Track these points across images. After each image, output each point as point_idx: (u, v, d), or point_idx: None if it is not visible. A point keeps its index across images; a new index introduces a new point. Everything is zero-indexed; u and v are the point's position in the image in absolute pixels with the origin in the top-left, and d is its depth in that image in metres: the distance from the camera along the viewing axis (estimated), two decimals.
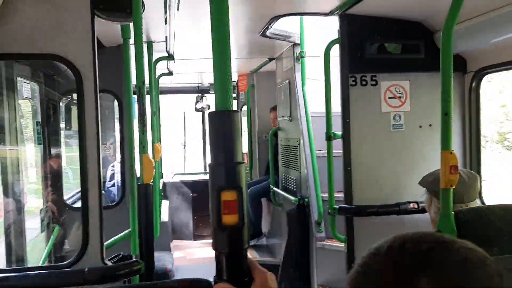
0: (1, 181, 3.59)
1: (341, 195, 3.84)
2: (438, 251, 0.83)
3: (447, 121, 2.24)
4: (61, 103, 4.88)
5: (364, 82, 3.73)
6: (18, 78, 3.78)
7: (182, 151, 9.59)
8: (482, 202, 3.60)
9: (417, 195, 2.98)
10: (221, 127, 1.37)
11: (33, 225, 3.84)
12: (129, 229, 3.23)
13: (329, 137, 3.79)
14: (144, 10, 2.71)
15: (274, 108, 6.29)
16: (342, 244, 3.87)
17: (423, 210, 3.23)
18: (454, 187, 2.27)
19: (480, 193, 3.65)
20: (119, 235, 3.27)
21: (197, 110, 8.78)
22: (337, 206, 3.76)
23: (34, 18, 2.50)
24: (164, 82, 7.15)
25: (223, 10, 1.46)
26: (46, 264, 3.85)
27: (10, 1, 2.48)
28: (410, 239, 0.88)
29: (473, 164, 3.75)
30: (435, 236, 0.88)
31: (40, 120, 4.28)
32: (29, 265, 3.80)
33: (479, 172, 3.71)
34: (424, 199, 2.76)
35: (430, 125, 3.79)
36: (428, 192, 2.68)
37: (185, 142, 9.59)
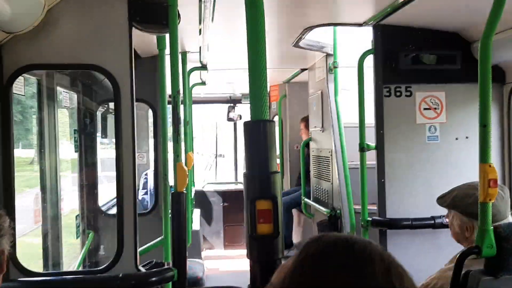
0: (40, 187, 3.70)
1: (374, 207, 3.78)
2: None
3: (485, 133, 2.18)
4: (97, 112, 5.00)
5: (398, 93, 3.69)
6: (58, 88, 3.90)
7: (214, 160, 9.65)
8: None
9: None
10: (256, 137, 1.38)
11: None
12: (162, 237, 3.27)
13: (362, 148, 3.75)
14: (179, 22, 2.76)
15: (303, 120, 6.28)
16: None
17: None
18: (493, 201, 2.20)
19: None
20: (152, 242, 3.31)
21: (229, 120, 8.84)
22: (370, 219, 3.70)
23: (75, 30, 2.59)
24: (196, 92, 7.24)
25: (260, 21, 1.48)
26: (80, 268, 3.93)
27: (53, 13, 2.57)
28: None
29: None
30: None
31: (77, 128, 4.40)
32: (65, 270, 3.89)
33: None
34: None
35: (466, 137, 3.71)
36: (449, 208, 2.59)
37: (216, 152, 9.66)
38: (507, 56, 3.49)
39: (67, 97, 4.19)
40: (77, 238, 4.20)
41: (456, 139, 3.72)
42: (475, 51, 3.61)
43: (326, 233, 0.91)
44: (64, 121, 4.37)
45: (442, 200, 2.58)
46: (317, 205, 5.13)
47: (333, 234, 0.89)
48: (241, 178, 9.13)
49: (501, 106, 3.71)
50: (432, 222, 3.58)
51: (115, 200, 2.81)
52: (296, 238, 6.48)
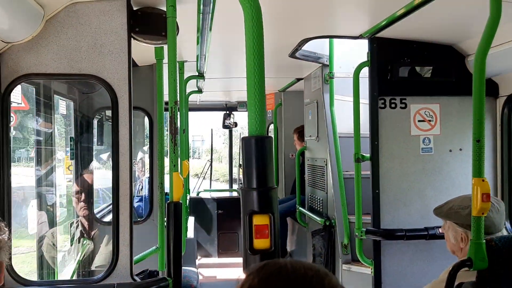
0: (36, 194, 3.70)
1: (368, 217, 3.81)
2: None
3: (479, 147, 2.22)
4: (94, 120, 5.01)
5: (393, 105, 3.73)
6: (55, 95, 3.91)
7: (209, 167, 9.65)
8: None
9: None
10: (254, 152, 1.40)
11: None
12: (157, 245, 3.28)
13: (357, 159, 3.78)
14: (178, 33, 2.78)
15: (296, 130, 6.30)
16: (369, 268, 3.82)
17: None
18: (485, 215, 2.23)
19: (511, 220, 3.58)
20: (147, 251, 3.32)
21: (224, 127, 8.85)
22: (364, 229, 3.73)
23: (74, 40, 2.61)
24: (193, 99, 7.25)
25: (258, 36, 1.50)
26: (75, 277, 3.92)
27: (52, 23, 2.59)
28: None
29: (504, 191, 3.67)
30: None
31: (73, 135, 4.40)
32: (59, 278, 3.88)
33: (511, 197, 3.63)
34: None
35: (460, 149, 3.75)
36: (445, 220, 2.63)
37: (211, 159, 9.67)
38: (501, 69, 3.54)
39: (64, 105, 4.20)
40: (71, 245, 4.19)
41: (450, 151, 3.76)
42: (470, 64, 3.65)
43: (270, 261, 0.92)
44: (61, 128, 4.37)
45: (438, 211, 2.62)
46: (311, 214, 5.15)
47: (276, 263, 0.90)
48: (235, 186, 9.13)
49: (495, 119, 3.75)
50: (426, 233, 3.61)
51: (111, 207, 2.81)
52: (290, 247, 6.49)
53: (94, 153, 4.90)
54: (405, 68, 3.71)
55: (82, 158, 4.45)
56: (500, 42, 3.22)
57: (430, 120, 3.75)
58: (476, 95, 2.28)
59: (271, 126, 7.63)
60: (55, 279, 3.82)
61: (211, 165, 9.60)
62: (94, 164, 4.85)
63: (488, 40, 2.29)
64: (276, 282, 0.85)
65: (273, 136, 7.41)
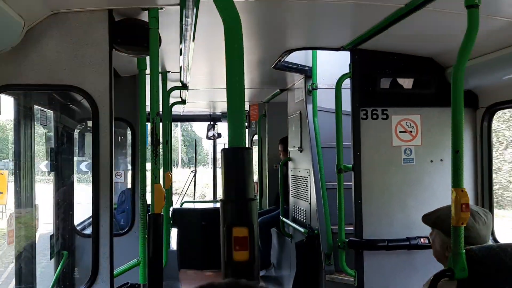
0: (14, 206, 3.63)
1: (351, 228, 3.82)
2: None
3: (458, 158, 2.25)
4: (75, 131, 4.95)
5: (375, 116, 3.76)
6: (35, 106, 3.86)
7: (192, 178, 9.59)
8: (495, 240, 3.56)
9: (427, 230, 2.95)
10: (233, 164, 1.40)
11: None
12: (138, 258, 3.24)
13: (340, 169, 3.80)
14: (160, 44, 2.78)
15: (281, 141, 6.32)
16: (352, 278, 3.82)
17: None
18: (464, 225, 2.25)
19: (493, 231, 3.62)
20: (128, 264, 3.28)
21: (208, 138, 8.84)
22: (347, 239, 3.74)
23: (54, 51, 2.58)
24: (176, 110, 7.23)
25: (238, 50, 1.51)
26: None
27: (32, 34, 2.57)
28: None
29: (485, 201, 3.72)
30: None
31: (54, 146, 4.34)
32: None
33: (491, 208, 3.67)
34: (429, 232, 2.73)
35: (441, 159, 3.79)
36: (432, 227, 2.65)
37: (195, 170, 9.62)
38: (480, 81, 3.60)
39: (44, 116, 4.15)
40: (51, 259, 4.11)
41: (431, 161, 3.80)
42: (449, 76, 3.71)
43: (204, 285, 0.91)
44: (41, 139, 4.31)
45: (427, 218, 2.63)
46: (295, 225, 5.15)
47: (211, 285, 0.89)
48: (220, 197, 9.08)
49: (475, 130, 3.81)
50: (408, 243, 3.63)
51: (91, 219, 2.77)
52: (274, 257, 6.47)
53: (75, 164, 4.83)
54: (386, 80, 3.75)
55: (62, 169, 4.39)
56: (479, 54, 3.28)
57: (411, 131, 3.79)
58: (454, 107, 2.31)
59: (255, 137, 7.63)
60: None
61: (194, 176, 9.55)
62: (75, 175, 4.79)
63: (465, 52, 2.34)
64: None
65: (257, 147, 7.42)
